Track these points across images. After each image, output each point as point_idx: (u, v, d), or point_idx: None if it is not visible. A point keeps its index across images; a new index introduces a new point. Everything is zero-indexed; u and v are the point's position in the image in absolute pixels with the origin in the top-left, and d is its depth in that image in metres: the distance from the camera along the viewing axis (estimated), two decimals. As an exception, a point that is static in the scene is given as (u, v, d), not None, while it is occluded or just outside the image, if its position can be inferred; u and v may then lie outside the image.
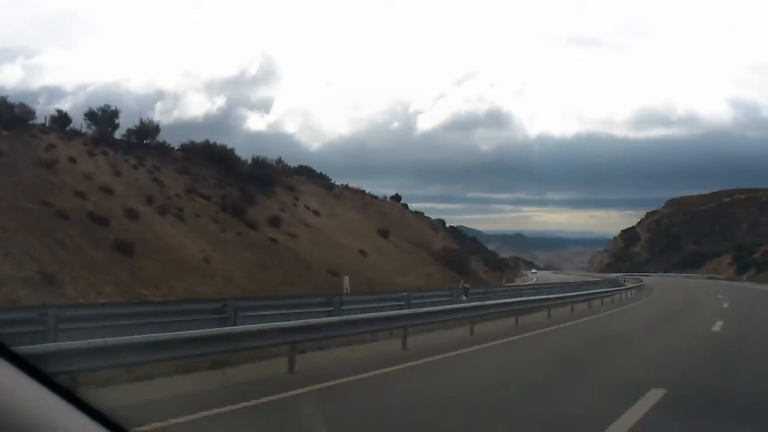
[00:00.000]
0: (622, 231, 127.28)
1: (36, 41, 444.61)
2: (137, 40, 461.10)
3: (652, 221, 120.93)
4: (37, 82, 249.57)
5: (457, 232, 69.20)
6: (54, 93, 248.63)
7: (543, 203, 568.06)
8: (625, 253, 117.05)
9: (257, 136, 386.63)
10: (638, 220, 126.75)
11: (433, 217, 60.94)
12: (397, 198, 60.30)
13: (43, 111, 41.63)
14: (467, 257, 56.18)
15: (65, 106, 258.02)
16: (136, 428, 2.22)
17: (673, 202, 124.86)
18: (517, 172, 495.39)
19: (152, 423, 5.35)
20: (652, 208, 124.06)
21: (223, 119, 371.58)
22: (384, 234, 47.54)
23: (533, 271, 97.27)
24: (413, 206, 64.36)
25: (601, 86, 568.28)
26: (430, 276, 42.16)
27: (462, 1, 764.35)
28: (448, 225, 65.91)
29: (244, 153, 45.83)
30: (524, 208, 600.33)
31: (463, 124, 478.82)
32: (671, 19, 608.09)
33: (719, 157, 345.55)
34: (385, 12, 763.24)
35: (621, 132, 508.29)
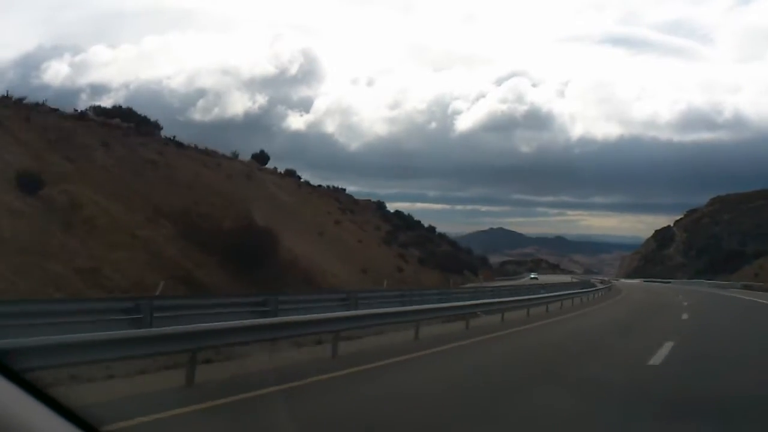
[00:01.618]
0: (655, 231, 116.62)
1: (83, 39, 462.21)
2: (180, 37, 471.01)
3: (691, 220, 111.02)
4: (82, 79, 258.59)
5: (408, 222, 62.40)
6: (97, 90, 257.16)
7: (588, 207, 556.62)
8: (657, 256, 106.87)
9: (296, 136, 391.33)
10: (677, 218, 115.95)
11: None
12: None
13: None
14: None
15: (108, 102, 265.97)
16: (106, 426, 1.78)
17: (717, 200, 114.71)
18: (559, 175, 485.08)
19: (120, 422, 5.18)
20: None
21: (263, 118, 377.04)
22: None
23: (532, 275, 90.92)
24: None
25: (644, 88, 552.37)
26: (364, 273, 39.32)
27: (502, 1, 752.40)
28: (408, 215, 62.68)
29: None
30: (569, 212, 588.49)
31: (503, 125, 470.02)
32: (715, 18, 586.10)
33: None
34: (426, 12, 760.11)
35: (665, 135, 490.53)
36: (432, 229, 66.87)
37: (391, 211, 61.42)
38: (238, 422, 6.08)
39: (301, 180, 49.87)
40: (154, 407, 6.04)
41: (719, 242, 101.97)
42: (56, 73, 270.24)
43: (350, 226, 47.36)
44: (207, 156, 41.65)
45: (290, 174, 48.27)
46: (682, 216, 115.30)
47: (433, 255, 52.39)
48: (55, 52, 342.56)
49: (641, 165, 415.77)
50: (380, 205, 60.47)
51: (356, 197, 59.14)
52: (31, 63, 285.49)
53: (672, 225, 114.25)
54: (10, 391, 1.32)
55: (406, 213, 63.77)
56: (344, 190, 56.33)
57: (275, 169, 47.75)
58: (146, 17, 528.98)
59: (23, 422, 1.30)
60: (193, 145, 41.74)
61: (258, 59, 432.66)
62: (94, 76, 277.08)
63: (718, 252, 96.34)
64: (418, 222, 64.05)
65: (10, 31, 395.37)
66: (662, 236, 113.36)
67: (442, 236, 69.70)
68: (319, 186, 52.53)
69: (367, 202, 60.01)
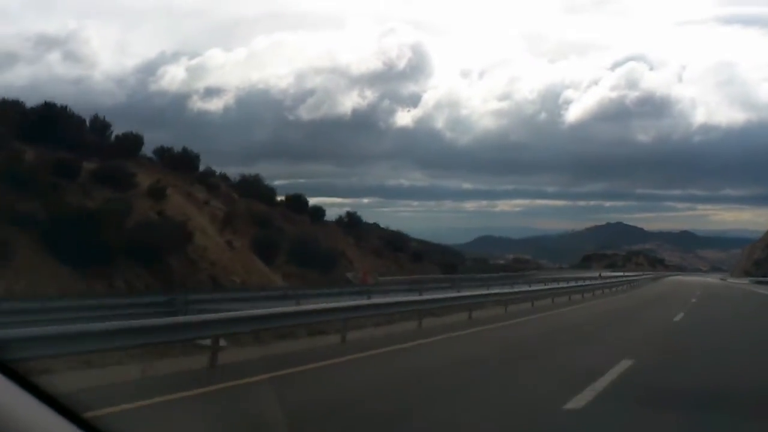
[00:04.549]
0: None
1: (201, 45, 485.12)
2: (291, 37, 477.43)
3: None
4: (198, 82, 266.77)
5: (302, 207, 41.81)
6: (211, 92, 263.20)
7: (719, 200, 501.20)
8: None
9: (403, 132, 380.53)
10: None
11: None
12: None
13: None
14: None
15: (219, 104, 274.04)
16: (89, 413, 1.75)
17: None
18: (684, 166, 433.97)
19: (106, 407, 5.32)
20: None
21: (371, 114, 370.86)
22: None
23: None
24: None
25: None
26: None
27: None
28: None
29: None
30: (699, 206, 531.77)
31: (618, 114, 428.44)
32: None
33: None
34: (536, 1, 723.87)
35: None
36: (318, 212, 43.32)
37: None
38: None
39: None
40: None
41: None
42: (173, 77, 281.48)
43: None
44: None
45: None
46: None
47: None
48: (174, 58, 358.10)
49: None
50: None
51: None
52: (150, 69, 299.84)
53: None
54: None
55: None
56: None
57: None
58: (262, 22, 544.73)
59: (5, 409, 1.33)
60: None
61: (367, 55, 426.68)
62: (209, 79, 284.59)
63: None
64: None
65: (136, 41, 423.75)
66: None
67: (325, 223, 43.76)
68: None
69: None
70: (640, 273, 78.07)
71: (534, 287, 28.49)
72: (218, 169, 37.84)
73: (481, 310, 19.20)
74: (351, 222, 44.36)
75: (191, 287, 24.72)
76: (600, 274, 63.62)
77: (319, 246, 37.44)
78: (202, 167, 36.61)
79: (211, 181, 33.94)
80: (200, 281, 26.51)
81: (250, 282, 28.95)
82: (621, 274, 69.58)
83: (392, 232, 49.83)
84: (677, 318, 18.80)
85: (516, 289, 26.13)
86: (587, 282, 38.35)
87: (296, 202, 39.85)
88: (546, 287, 28.15)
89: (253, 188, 37.23)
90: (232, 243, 30.49)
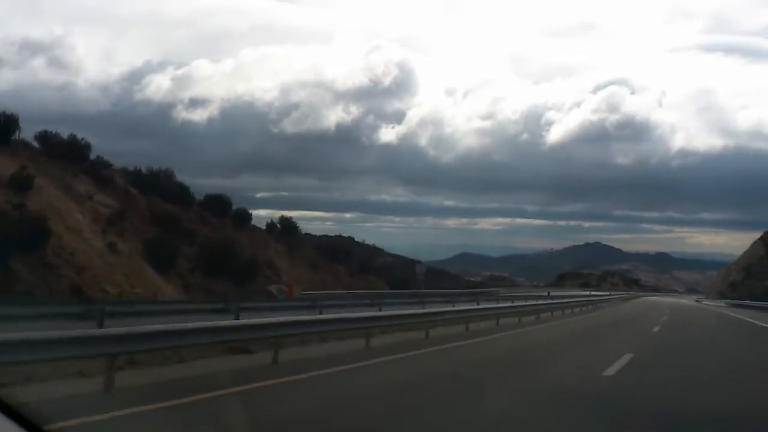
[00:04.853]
0: (765, 233, 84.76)
1: (188, 55, 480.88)
2: (278, 51, 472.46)
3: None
4: (183, 92, 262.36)
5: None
6: (196, 102, 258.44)
7: (696, 224, 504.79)
8: (764, 268, 72.46)
9: (387, 148, 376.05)
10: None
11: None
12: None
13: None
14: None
15: (204, 115, 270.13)
16: (51, 425, 2.02)
17: None
18: (662, 189, 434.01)
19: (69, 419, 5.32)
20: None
21: (355, 130, 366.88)
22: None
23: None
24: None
25: (746, 96, 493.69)
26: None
27: (604, 5, 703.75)
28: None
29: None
30: (676, 229, 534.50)
31: (599, 136, 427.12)
32: None
33: None
34: (522, 21, 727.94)
35: None
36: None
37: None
38: None
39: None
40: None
41: None
42: (158, 86, 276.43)
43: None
44: None
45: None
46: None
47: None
48: (161, 67, 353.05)
49: (747, 179, 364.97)
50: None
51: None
52: (136, 78, 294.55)
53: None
54: None
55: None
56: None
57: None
58: (250, 34, 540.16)
59: None
60: None
61: (353, 71, 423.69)
62: (195, 90, 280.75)
63: None
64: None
65: (123, 49, 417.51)
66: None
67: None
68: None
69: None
70: (608, 293, 74.03)
71: (462, 307, 23.64)
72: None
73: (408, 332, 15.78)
74: (285, 229, 39.44)
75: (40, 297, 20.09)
76: (549, 293, 58.99)
77: (237, 254, 32.67)
78: (110, 159, 31.74)
79: (102, 174, 28.89)
80: (58, 290, 21.65)
81: (131, 293, 24.11)
82: (588, 293, 65.34)
83: (333, 240, 45.18)
84: (611, 371, 10.99)
85: (442, 309, 21.51)
86: (535, 302, 30.82)
87: (216, 203, 34.86)
88: (471, 308, 22.87)
89: (160, 184, 32.18)
90: (116, 246, 25.62)
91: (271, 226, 38.82)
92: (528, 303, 28.64)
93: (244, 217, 36.26)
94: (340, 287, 38.38)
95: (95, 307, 14.69)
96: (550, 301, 32.35)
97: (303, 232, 42.64)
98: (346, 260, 42.82)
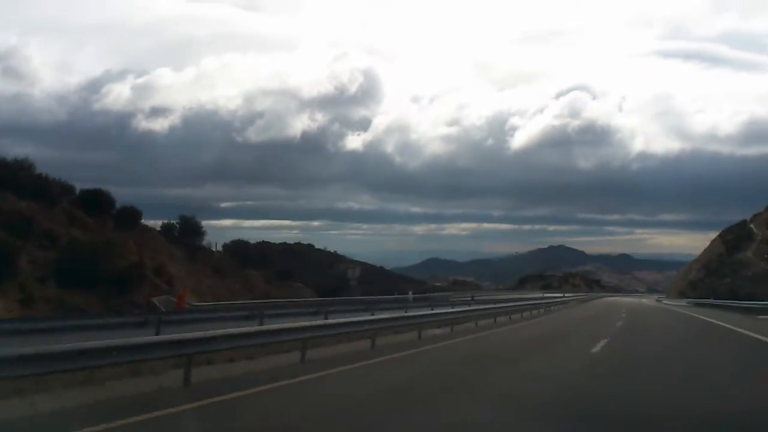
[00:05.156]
0: (723, 230, 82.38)
1: (149, 64, 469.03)
2: (241, 59, 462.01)
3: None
4: (144, 101, 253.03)
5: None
6: (156, 111, 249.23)
7: (656, 225, 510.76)
8: (726, 264, 70.33)
9: (353, 156, 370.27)
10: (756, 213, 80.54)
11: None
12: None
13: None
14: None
15: (165, 124, 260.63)
16: None
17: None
18: (623, 193, 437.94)
19: None
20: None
21: (321, 138, 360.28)
22: None
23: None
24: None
25: (703, 101, 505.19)
26: None
27: (566, 13, 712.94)
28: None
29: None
30: (637, 231, 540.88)
31: (562, 141, 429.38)
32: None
33: None
34: (487, 26, 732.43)
35: (727, 149, 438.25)
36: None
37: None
38: None
39: None
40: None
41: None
42: (118, 96, 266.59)
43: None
44: None
45: None
46: (763, 210, 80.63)
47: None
48: (121, 76, 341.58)
49: (704, 181, 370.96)
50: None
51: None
52: (95, 87, 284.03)
53: (748, 220, 79.31)
54: None
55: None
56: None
57: None
58: (213, 42, 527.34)
59: None
60: None
61: (318, 79, 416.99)
62: (156, 99, 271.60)
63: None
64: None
65: (82, 59, 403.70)
66: (734, 236, 77.29)
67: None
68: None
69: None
70: (562, 294, 69.98)
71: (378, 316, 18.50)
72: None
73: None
74: (185, 231, 33.83)
75: None
76: (472, 297, 53.67)
77: (113, 260, 27.13)
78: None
79: None
80: None
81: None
82: (541, 295, 61.06)
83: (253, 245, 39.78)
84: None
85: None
86: (450, 310, 24.70)
87: (91, 200, 29.09)
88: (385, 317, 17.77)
89: (16, 178, 26.39)
90: None
91: (167, 226, 33.17)
92: (434, 311, 21.95)
93: (131, 216, 30.62)
94: (250, 296, 33.06)
95: None
96: (476, 307, 25.83)
97: (256, 241, 37.13)
98: (264, 266, 37.42)
